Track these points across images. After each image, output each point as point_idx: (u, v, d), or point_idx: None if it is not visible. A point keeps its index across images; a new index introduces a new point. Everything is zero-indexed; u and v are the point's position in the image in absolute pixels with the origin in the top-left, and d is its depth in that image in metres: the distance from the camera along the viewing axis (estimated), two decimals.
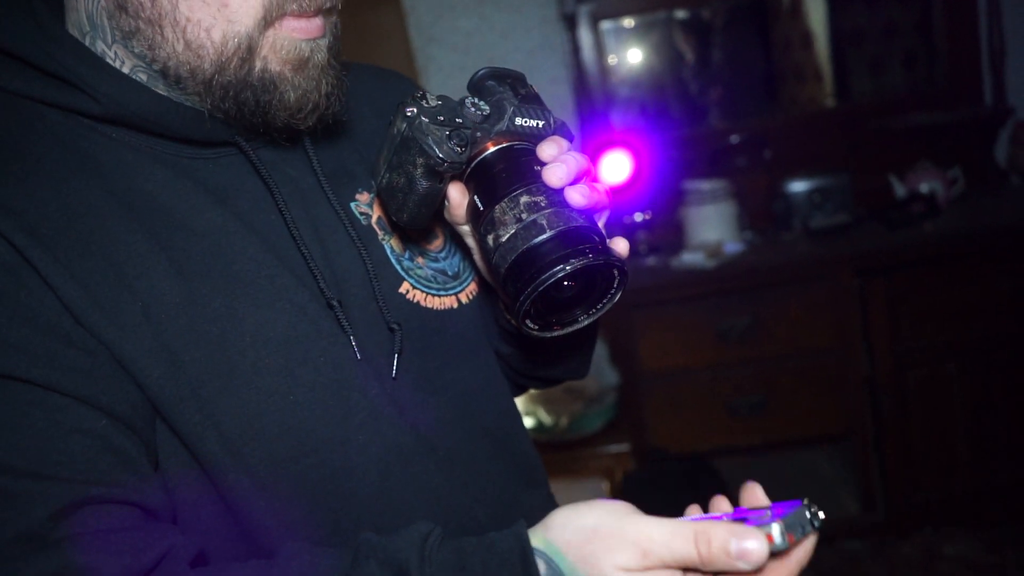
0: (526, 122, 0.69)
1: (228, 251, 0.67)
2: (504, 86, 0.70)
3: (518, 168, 0.67)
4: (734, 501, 0.63)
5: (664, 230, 2.65)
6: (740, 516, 0.59)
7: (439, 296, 0.79)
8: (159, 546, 0.60)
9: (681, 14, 2.91)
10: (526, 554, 0.58)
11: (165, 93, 0.67)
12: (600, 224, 0.70)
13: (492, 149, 0.69)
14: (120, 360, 0.61)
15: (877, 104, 2.87)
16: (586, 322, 0.69)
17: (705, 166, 2.74)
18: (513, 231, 0.64)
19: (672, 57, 2.97)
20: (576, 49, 2.75)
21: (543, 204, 0.64)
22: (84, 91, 0.65)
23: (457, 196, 0.70)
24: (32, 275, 0.59)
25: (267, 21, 0.64)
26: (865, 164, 2.70)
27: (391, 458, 0.71)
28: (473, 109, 0.68)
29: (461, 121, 0.67)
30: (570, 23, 2.73)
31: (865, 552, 2.44)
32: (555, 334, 0.69)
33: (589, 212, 0.67)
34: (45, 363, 0.58)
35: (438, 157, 0.65)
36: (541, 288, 0.62)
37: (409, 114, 0.66)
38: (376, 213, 0.78)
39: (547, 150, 0.68)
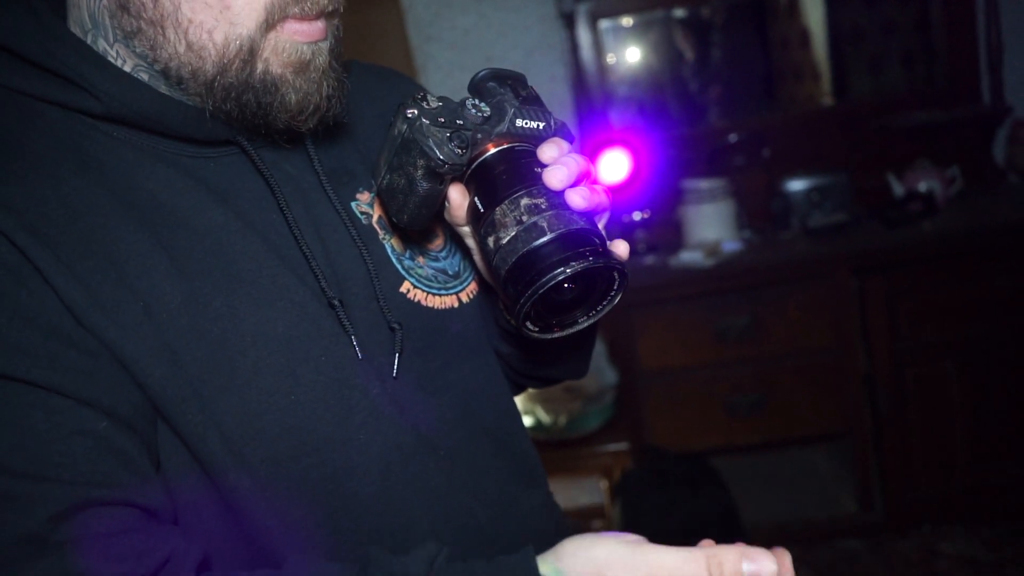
0: (527, 124, 0.69)
1: (229, 250, 0.67)
2: (505, 87, 0.70)
3: (519, 170, 0.67)
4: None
5: (662, 229, 2.65)
6: None
7: (440, 295, 0.79)
8: (161, 551, 0.59)
9: (679, 13, 2.91)
10: None
11: (167, 92, 0.67)
12: (600, 226, 0.70)
13: (493, 151, 0.69)
14: (121, 360, 0.61)
15: (875, 103, 2.87)
16: (586, 324, 0.69)
17: (704, 165, 2.74)
18: (514, 233, 0.64)
19: (670, 56, 2.97)
20: (574, 48, 2.75)
21: (544, 206, 0.64)
22: (86, 89, 0.64)
23: (457, 197, 0.70)
24: (33, 275, 0.59)
25: (269, 24, 0.64)
26: (863, 163, 2.70)
27: (392, 458, 0.71)
28: (474, 111, 0.68)
29: (462, 123, 0.67)
30: (568, 21, 2.73)
31: (863, 550, 2.45)
32: (555, 335, 0.69)
33: (589, 214, 0.67)
34: (46, 364, 0.58)
35: (439, 159, 0.65)
36: (542, 291, 0.62)
37: (410, 115, 0.66)
38: (376, 212, 0.78)
39: (548, 152, 0.68)
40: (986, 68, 2.75)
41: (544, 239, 0.63)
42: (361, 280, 0.74)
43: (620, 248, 0.69)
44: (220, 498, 0.67)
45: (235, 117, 0.67)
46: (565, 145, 0.69)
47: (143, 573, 0.58)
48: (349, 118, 0.78)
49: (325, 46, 0.68)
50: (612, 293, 0.67)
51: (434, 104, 0.67)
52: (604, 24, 2.80)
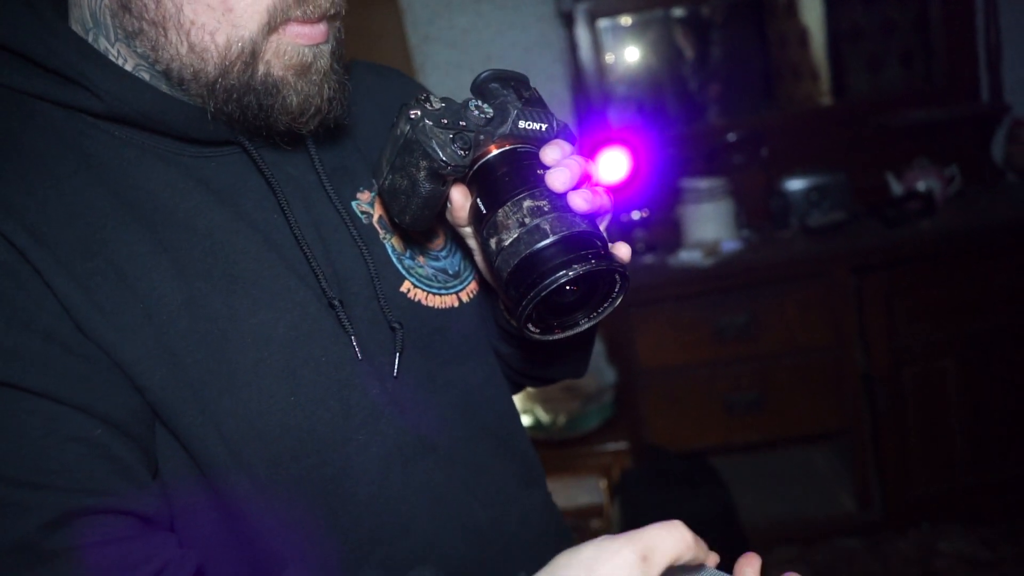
0: (529, 125, 0.69)
1: (230, 250, 0.67)
2: (507, 89, 0.70)
3: (521, 172, 0.67)
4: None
5: (661, 228, 2.65)
6: None
7: (440, 295, 0.79)
8: (156, 560, 0.58)
9: (678, 12, 2.91)
10: None
11: (168, 91, 0.67)
12: (602, 228, 0.70)
13: (495, 152, 0.69)
14: (120, 364, 0.61)
15: (874, 102, 2.87)
16: (587, 326, 0.69)
17: (702, 164, 2.74)
18: (516, 235, 0.64)
19: (669, 55, 2.97)
20: (573, 47, 2.75)
21: (546, 208, 0.64)
22: (87, 88, 0.64)
23: (460, 198, 0.70)
24: (33, 277, 0.59)
25: (271, 26, 0.64)
26: (862, 162, 2.70)
27: (392, 458, 0.71)
28: (476, 112, 0.68)
29: (464, 124, 0.67)
30: (567, 21, 2.73)
31: (862, 549, 2.45)
32: (556, 337, 0.69)
33: (591, 216, 0.67)
34: (42, 370, 0.57)
35: (441, 160, 0.65)
36: (544, 293, 0.62)
37: (413, 116, 0.66)
38: (377, 212, 0.78)
39: (550, 154, 0.68)
40: (985, 67, 2.75)
41: (547, 241, 0.63)
42: (362, 280, 0.74)
43: (622, 250, 0.70)
44: (218, 502, 0.66)
45: (236, 118, 0.66)
46: (567, 147, 0.69)
47: None
48: (350, 118, 0.78)
49: (327, 48, 0.68)
50: (613, 295, 0.67)
51: (437, 105, 0.67)
52: (603, 23, 2.80)
